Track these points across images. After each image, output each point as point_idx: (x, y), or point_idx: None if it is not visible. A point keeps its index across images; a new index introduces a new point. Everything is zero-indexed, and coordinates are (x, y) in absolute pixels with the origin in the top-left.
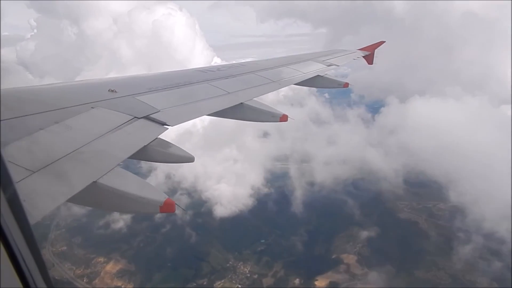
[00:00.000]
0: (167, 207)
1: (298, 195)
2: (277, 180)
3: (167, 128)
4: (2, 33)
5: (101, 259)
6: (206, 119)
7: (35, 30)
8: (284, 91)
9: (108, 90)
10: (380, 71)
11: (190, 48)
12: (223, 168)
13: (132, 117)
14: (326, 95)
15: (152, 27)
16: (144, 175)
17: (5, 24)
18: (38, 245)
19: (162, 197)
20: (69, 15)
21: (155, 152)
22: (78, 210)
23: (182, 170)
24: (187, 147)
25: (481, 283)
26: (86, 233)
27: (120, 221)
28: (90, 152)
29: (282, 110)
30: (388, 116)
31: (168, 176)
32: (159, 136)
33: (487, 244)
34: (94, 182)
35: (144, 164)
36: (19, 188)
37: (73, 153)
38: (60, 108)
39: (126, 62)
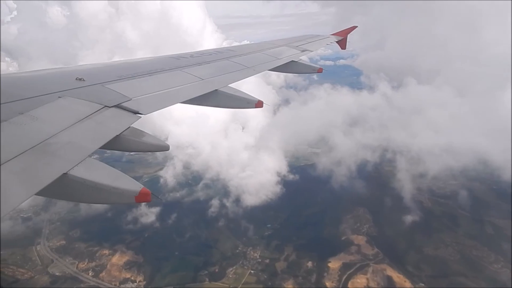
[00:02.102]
0: (143, 197)
1: (296, 180)
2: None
3: (140, 117)
4: None
5: (106, 252)
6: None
7: (15, 13)
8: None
9: (76, 79)
10: (393, 52)
11: (200, 30)
12: (247, 156)
13: (102, 106)
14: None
15: (160, 7)
16: (159, 164)
17: None
18: None
19: (137, 187)
20: None
21: (128, 142)
22: (69, 203)
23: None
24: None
25: (487, 258)
26: (84, 226)
27: (150, 215)
28: (59, 143)
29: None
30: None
31: (186, 166)
32: (132, 125)
33: (492, 220)
34: (64, 174)
35: (160, 154)
36: None
37: (40, 145)
38: (25, 98)
39: (132, 46)
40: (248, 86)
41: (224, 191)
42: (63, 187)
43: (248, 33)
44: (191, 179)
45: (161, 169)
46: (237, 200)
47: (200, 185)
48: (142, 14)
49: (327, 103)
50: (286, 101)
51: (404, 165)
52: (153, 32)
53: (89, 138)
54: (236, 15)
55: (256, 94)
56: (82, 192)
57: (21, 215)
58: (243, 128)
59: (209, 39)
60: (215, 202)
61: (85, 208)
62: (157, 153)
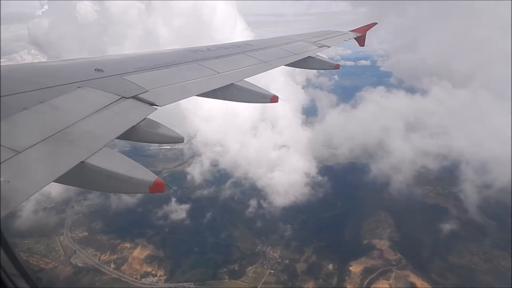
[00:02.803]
0: (157, 187)
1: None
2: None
3: (156, 108)
4: (4, 10)
5: (127, 245)
6: None
7: (46, 7)
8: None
9: (95, 69)
10: (427, 54)
11: (231, 27)
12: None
13: (120, 97)
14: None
15: (192, 4)
16: (179, 159)
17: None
18: (11, 247)
19: (151, 177)
20: None
21: (144, 133)
22: (92, 194)
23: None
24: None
25: None
26: (106, 218)
27: (180, 212)
28: (77, 132)
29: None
30: None
31: (214, 164)
32: (148, 117)
33: None
34: (81, 162)
35: (187, 151)
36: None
37: (59, 133)
38: (45, 87)
39: (163, 42)
40: (277, 85)
41: (252, 191)
42: (80, 175)
43: (267, 31)
44: (219, 177)
45: (180, 164)
46: (261, 199)
47: (228, 183)
48: (174, 10)
49: (361, 104)
50: (313, 101)
51: (430, 169)
52: (184, 29)
53: (106, 128)
54: (257, 13)
55: (285, 94)
56: (98, 180)
57: (46, 205)
58: (272, 127)
59: (240, 37)
60: (238, 201)
61: (115, 202)
62: (177, 148)
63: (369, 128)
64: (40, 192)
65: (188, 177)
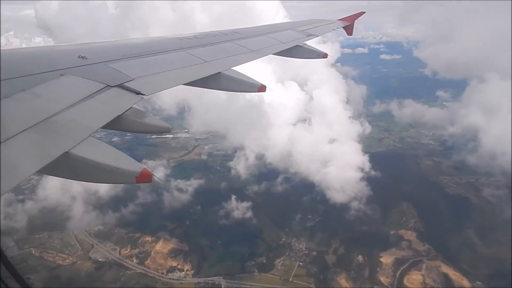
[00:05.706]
0: (144, 178)
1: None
2: None
3: (142, 97)
4: None
5: (148, 238)
6: None
7: None
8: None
9: (78, 57)
10: (465, 45)
11: (273, 15)
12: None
13: (105, 85)
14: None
15: None
16: (184, 148)
17: None
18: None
19: (138, 168)
20: None
21: (130, 122)
22: (142, 192)
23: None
24: None
25: None
26: (120, 211)
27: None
28: (61, 121)
29: None
30: None
31: (258, 157)
32: (134, 106)
33: None
34: (66, 152)
35: (229, 144)
36: None
37: (42, 123)
38: (26, 75)
39: (201, 29)
40: (320, 76)
41: (304, 186)
42: (65, 166)
43: None
44: (266, 172)
45: (186, 154)
46: (280, 187)
47: (279, 179)
48: None
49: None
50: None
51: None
52: (225, 15)
53: (91, 117)
54: None
55: (333, 85)
56: (84, 171)
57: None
58: (320, 120)
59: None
60: (246, 190)
61: (169, 200)
62: (181, 138)
63: None
64: (87, 190)
65: (232, 171)
